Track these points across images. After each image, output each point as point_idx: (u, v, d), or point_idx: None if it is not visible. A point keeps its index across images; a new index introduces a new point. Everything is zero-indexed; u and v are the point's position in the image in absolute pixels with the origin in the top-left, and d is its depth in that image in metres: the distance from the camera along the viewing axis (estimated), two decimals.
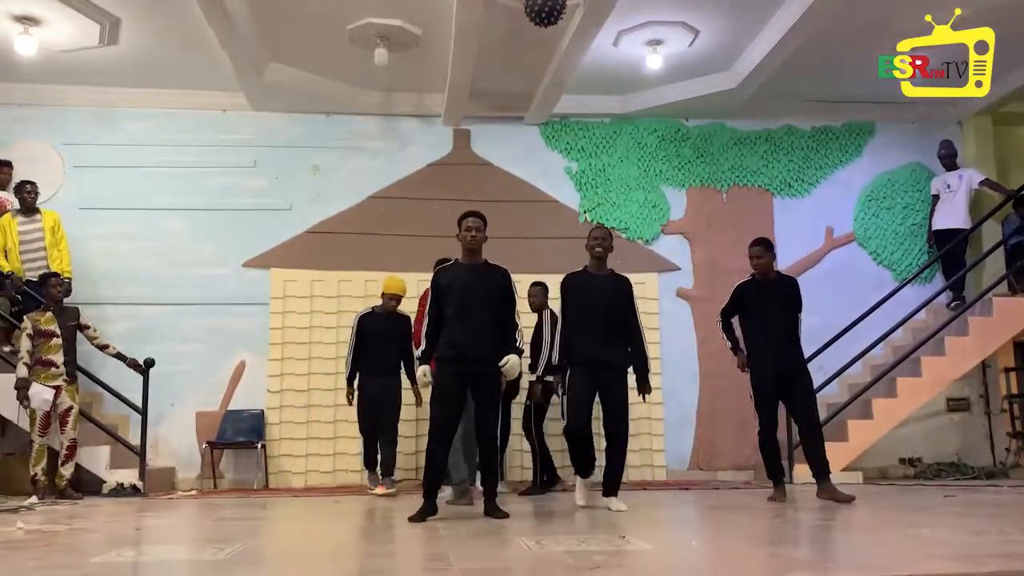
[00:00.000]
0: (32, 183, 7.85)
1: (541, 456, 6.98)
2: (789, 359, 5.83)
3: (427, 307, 5.04)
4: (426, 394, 5.51)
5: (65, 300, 7.29)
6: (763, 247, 6.00)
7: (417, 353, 5.04)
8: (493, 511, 4.74)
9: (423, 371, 4.92)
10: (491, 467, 4.94)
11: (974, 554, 3.12)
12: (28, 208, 7.81)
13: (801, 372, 5.88)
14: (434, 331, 4.91)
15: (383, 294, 7.11)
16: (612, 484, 5.21)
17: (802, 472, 7.59)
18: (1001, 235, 9.02)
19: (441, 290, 4.93)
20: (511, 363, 4.88)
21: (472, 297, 4.86)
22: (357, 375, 7.04)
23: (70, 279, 7.91)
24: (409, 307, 7.28)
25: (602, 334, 5.11)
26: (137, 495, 7.10)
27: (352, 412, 7.92)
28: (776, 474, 5.88)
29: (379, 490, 6.77)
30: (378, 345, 6.95)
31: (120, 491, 7.14)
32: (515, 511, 5.27)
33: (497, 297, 4.93)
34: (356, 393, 7.03)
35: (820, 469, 5.73)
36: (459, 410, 4.87)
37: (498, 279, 4.98)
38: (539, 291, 7.09)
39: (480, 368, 4.81)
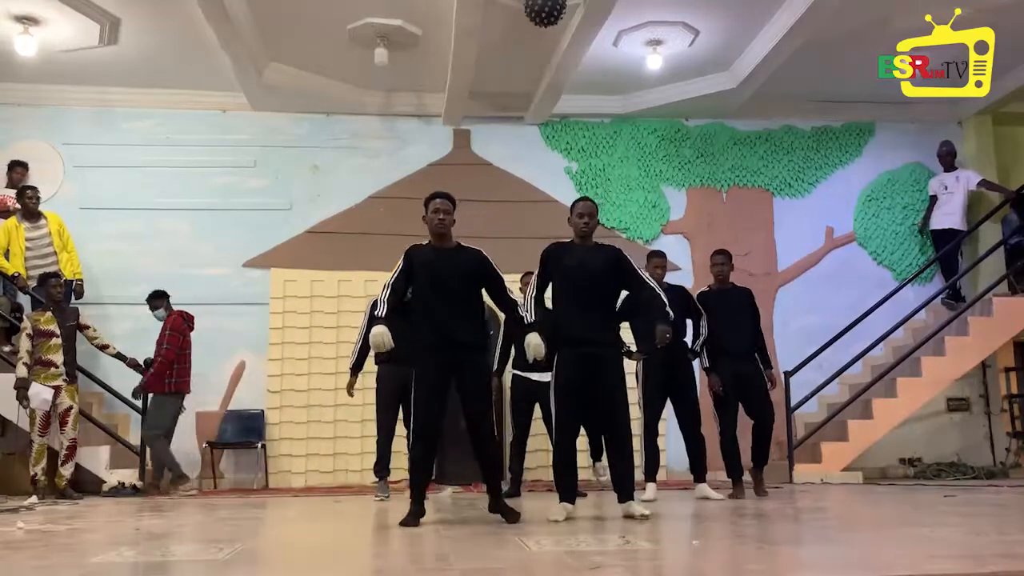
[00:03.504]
0: (33, 188, 7.85)
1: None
2: (746, 365, 6.22)
3: (391, 277, 4.65)
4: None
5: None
6: (726, 256, 6.46)
7: (379, 312, 4.54)
8: (503, 511, 4.50)
9: (383, 331, 4.43)
10: (492, 463, 4.65)
11: (974, 554, 3.11)
12: (31, 213, 7.81)
13: (756, 376, 6.24)
14: (394, 302, 4.53)
15: None
16: (625, 489, 4.64)
17: (803, 472, 7.62)
18: (1001, 235, 9.03)
19: (414, 265, 4.57)
20: (532, 341, 4.52)
21: (447, 279, 4.54)
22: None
23: (81, 281, 7.94)
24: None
25: (595, 312, 4.65)
26: (137, 495, 7.10)
27: (352, 412, 7.92)
28: (737, 473, 6.19)
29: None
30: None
31: (120, 491, 7.13)
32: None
33: (475, 278, 4.62)
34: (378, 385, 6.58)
35: (760, 461, 6.29)
36: (444, 403, 4.51)
37: (473, 259, 4.64)
38: None
39: (464, 355, 4.51)
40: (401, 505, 5.90)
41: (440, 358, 4.49)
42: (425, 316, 4.55)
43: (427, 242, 4.71)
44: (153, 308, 7.43)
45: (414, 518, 4.41)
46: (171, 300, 7.54)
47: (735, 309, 6.30)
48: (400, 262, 4.65)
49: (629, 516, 4.52)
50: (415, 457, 4.55)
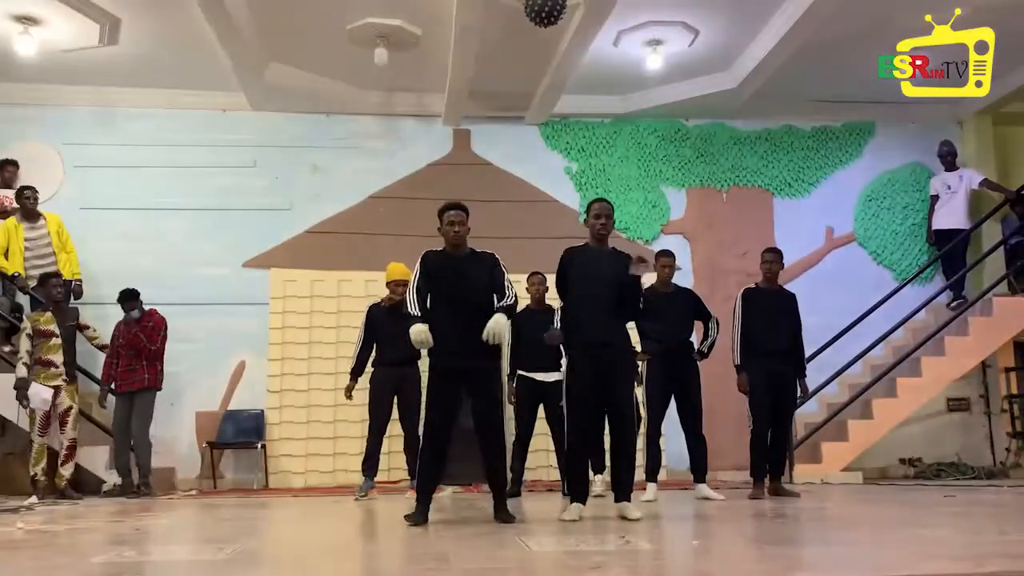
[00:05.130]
0: (32, 188, 7.84)
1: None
2: (779, 366, 6.15)
3: (413, 282, 4.70)
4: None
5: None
6: (777, 254, 6.39)
7: (411, 310, 4.60)
8: (502, 515, 4.50)
9: (423, 328, 4.49)
10: (497, 466, 4.67)
11: (974, 554, 3.11)
12: (30, 213, 7.81)
13: (788, 380, 6.20)
14: (422, 303, 4.60)
15: (390, 283, 6.66)
16: (623, 489, 4.66)
17: (803, 472, 7.62)
18: (1001, 235, 9.04)
19: (430, 272, 4.63)
20: (496, 322, 4.49)
21: (461, 287, 4.60)
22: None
23: (80, 281, 7.94)
24: None
25: (603, 315, 4.67)
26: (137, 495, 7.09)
27: (352, 412, 7.92)
28: (760, 473, 6.15)
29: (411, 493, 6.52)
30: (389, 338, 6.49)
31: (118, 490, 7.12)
32: (516, 511, 5.26)
33: (488, 285, 4.65)
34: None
35: (777, 468, 6.24)
36: (455, 409, 4.58)
37: (487, 266, 4.70)
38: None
39: (476, 362, 4.55)
40: (389, 505, 5.91)
41: (453, 365, 4.54)
42: (439, 323, 4.59)
43: (442, 248, 4.78)
44: (130, 308, 7.28)
45: (419, 517, 4.44)
46: (171, 300, 7.58)
47: (777, 310, 6.24)
48: (418, 266, 4.71)
49: (623, 517, 4.53)
50: (425, 460, 4.59)
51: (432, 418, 4.56)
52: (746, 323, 6.20)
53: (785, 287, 6.71)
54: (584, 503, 4.67)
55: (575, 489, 4.71)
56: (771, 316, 6.20)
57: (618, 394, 4.64)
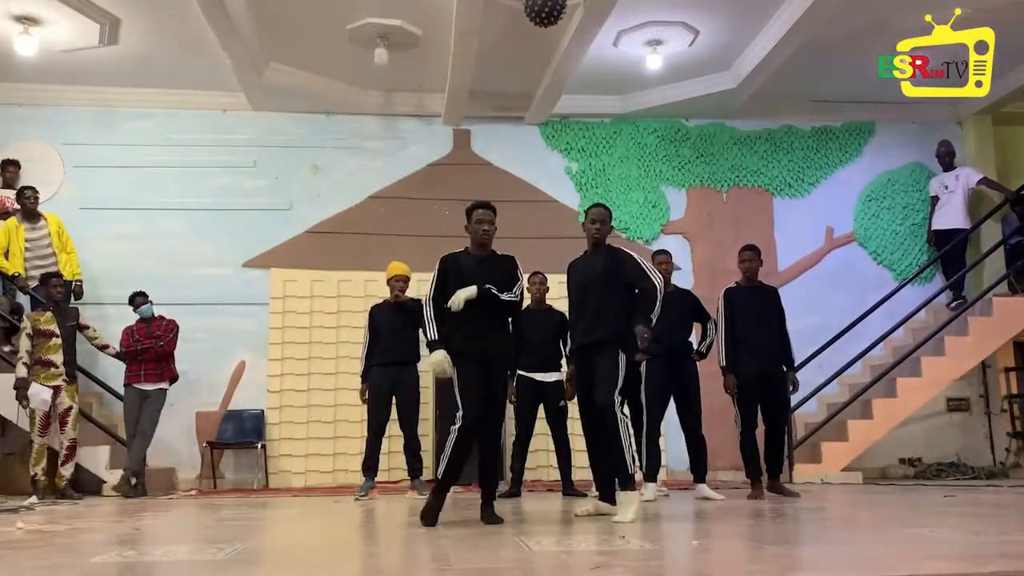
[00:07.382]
0: (32, 188, 7.85)
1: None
2: (771, 365, 6.15)
3: (430, 292, 4.68)
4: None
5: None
6: (755, 252, 6.34)
7: (431, 336, 4.56)
8: (489, 516, 4.49)
9: (443, 358, 4.46)
10: (492, 468, 4.70)
11: (974, 554, 3.11)
12: (30, 213, 7.81)
13: (780, 378, 6.17)
14: (439, 315, 4.57)
15: (390, 279, 6.75)
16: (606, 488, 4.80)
17: (803, 472, 7.62)
18: (1001, 235, 9.03)
19: (449, 278, 4.61)
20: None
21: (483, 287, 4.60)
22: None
23: (81, 282, 7.95)
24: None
25: (590, 315, 4.77)
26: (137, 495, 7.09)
27: (352, 412, 7.93)
28: (755, 473, 6.11)
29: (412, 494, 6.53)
30: (389, 335, 6.63)
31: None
32: (516, 511, 5.26)
33: (505, 286, 4.65)
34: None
35: (775, 467, 6.22)
36: (485, 403, 4.51)
37: (508, 269, 4.71)
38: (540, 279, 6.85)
39: (492, 365, 4.59)
40: (389, 505, 5.91)
41: (477, 363, 4.53)
42: (460, 323, 4.56)
43: (463, 249, 4.78)
44: (140, 304, 7.42)
45: (435, 515, 4.41)
46: (171, 300, 7.60)
47: (762, 307, 6.20)
48: (435, 273, 4.68)
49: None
50: (458, 454, 4.48)
51: (470, 406, 4.45)
52: (731, 323, 6.16)
53: (784, 286, 6.70)
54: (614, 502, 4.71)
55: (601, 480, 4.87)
56: (756, 313, 6.16)
57: (601, 392, 4.64)
